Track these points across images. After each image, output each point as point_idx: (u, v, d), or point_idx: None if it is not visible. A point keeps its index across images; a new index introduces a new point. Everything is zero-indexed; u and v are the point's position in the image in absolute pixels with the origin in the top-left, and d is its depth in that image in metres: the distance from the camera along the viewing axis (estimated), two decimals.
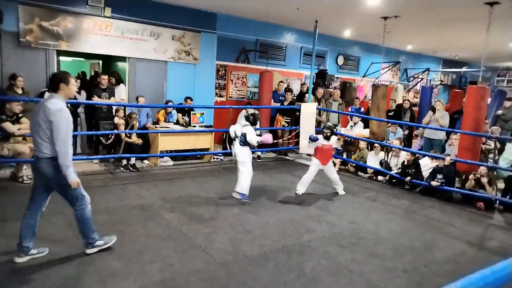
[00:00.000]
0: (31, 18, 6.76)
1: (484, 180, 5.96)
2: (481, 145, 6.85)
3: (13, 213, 4.35)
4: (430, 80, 14.77)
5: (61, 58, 8.83)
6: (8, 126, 5.49)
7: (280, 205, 5.40)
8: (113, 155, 6.84)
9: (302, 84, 10.25)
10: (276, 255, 3.80)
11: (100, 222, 4.33)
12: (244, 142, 5.42)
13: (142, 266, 3.43)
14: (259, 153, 8.60)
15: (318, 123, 8.92)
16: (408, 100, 9.55)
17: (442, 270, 3.77)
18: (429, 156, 6.90)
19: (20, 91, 6.36)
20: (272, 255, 3.79)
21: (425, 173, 6.64)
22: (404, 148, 7.25)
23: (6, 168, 5.98)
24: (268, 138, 5.54)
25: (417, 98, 12.93)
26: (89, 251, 3.57)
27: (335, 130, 6.41)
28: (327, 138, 5.99)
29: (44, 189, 3.44)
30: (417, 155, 7.10)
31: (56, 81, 3.27)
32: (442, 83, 15.35)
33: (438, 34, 9.91)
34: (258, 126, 5.97)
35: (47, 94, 6.55)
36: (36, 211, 3.48)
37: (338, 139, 8.28)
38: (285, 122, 9.19)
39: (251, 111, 5.67)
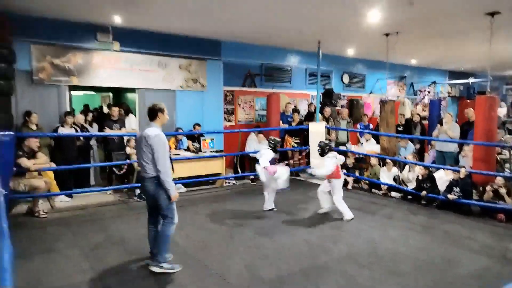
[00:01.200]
0: (43, 56, 7.01)
1: (503, 190, 5.83)
2: (496, 155, 6.74)
3: (30, 248, 4.40)
4: (438, 92, 14.73)
5: (73, 92, 9.07)
6: (24, 161, 5.60)
7: (294, 227, 5.33)
8: (126, 185, 6.89)
9: (310, 104, 10.31)
10: (293, 279, 3.72)
11: (116, 252, 4.34)
12: None
13: None
14: None
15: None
16: (418, 114, 9.51)
17: (468, 286, 3.65)
18: (443, 168, 6.80)
19: (34, 127, 6.52)
20: (289, 279, 3.72)
21: (441, 186, 6.53)
22: (418, 162, 7.17)
23: (22, 204, 6.06)
24: (273, 169, 5.74)
25: (425, 111, 12.85)
26: (155, 269, 3.77)
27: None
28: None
29: (151, 204, 3.89)
30: (431, 168, 7.01)
31: (154, 111, 3.83)
32: (450, 95, 15.29)
33: (441, 47, 9.96)
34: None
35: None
36: (155, 225, 3.93)
37: (348, 156, 8.26)
38: (295, 142, 9.19)
39: (273, 137, 6.17)
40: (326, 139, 8.61)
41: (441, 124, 7.60)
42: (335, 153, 5.80)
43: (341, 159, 5.89)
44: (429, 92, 14.09)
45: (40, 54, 6.99)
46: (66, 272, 3.81)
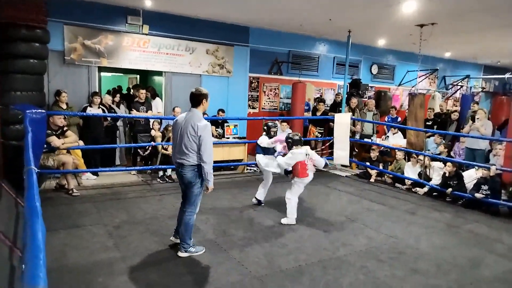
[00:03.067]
0: (75, 37, 7.16)
1: None
2: None
3: (57, 223, 4.57)
4: (471, 87, 14.16)
5: (102, 73, 9.26)
6: (54, 140, 5.78)
7: (314, 218, 5.31)
8: (150, 167, 7.03)
9: (337, 94, 10.14)
10: (311, 270, 3.72)
11: (139, 232, 4.46)
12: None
13: (177, 278, 3.47)
14: None
15: (353, 133, 8.77)
16: (457, 111, 9.17)
17: None
18: (472, 165, 6.58)
19: (64, 106, 6.70)
20: (308, 270, 3.72)
21: (469, 185, 6.32)
22: (446, 158, 6.96)
23: (52, 180, 6.30)
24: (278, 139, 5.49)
25: (456, 106, 12.40)
26: (181, 254, 3.87)
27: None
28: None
29: (184, 190, 3.93)
30: (459, 166, 6.79)
31: (200, 97, 3.76)
32: (484, 90, 14.68)
33: (478, 40, 9.52)
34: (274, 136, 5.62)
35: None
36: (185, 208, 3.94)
37: (373, 149, 8.10)
38: (318, 133, 9.09)
39: (266, 122, 5.87)
40: (351, 131, 8.50)
41: (473, 120, 7.30)
42: (301, 148, 5.01)
43: (298, 156, 4.94)
44: (461, 86, 13.56)
45: (72, 35, 7.15)
46: (90, 249, 3.94)
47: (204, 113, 8.09)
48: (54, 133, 5.87)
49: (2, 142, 5.50)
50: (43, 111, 5.35)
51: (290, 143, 5.05)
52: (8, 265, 3.12)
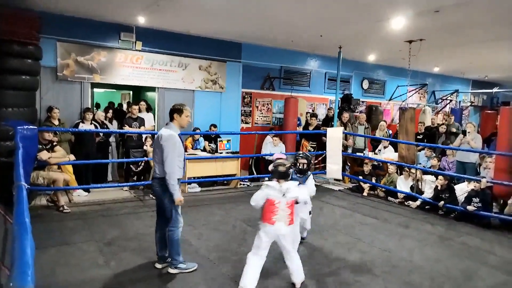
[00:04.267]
0: (68, 54, 7.19)
1: None
2: None
3: (47, 240, 4.49)
4: (460, 101, 14.41)
5: (95, 90, 9.27)
6: (42, 154, 5.73)
7: (307, 233, 5.28)
8: (142, 182, 6.98)
9: (329, 109, 10.24)
10: (305, 285, 3.69)
11: (130, 249, 4.40)
12: None
13: None
14: None
15: (345, 147, 8.84)
16: (444, 124, 9.30)
17: None
18: (463, 178, 6.65)
19: (56, 122, 6.68)
20: (302, 286, 3.68)
21: (461, 198, 6.38)
22: (438, 171, 7.03)
23: (42, 197, 6.21)
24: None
25: (447, 121, 12.57)
26: (171, 270, 3.82)
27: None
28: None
29: (158, 205, 3.89)
30: (450, 179, 6.85)
31: (171, 112, 3.84)
32: (473, 104, 14.93)
33: (466, 55, 9.74)
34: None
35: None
36: (161, 226, 3.89)
37: (366, 163, 8.16)
38: (311, 147, 9.14)
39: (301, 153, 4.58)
40: (343, 145, 8.55)
41: (464, 134, 7.41)
42: (283, 183, 3.50)
43: (269, 192, 3.49)
44: (451, 100, 13.79)
45: (65, 51, 7.17)
46: (81, 266, 3.88)
47: (196, 128, 8.24)
48: (44, 147, 5.83)
49: None
50: (34, 127, 5.33)
51: (271, 174, 3.64)
52: None
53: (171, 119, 3.84)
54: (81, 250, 4.28)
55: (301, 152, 4.61)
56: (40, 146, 5.78)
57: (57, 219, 5.39)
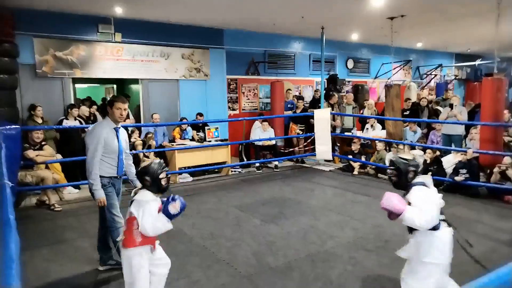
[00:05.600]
0: (46, 50, 7.01)
1: (510, 172, 5.77)
2: (503, 137, 6.67)
3: (40, 239, 4.46)
4: (444, 75, 14.53)
5: (77, 85, 9.10)
6: (29, 153, 5.64)
7: (300, 214, 5.34)
8: None
9: (315, 91, 10.24)
10: (300, 265, 3.75)
11: None
12: None
13: (168, 284, 3.43)
14: (276, 162, 8.59)
15: (333, 128, 8.88)
16: (425, 98, 9.40)
17: (473, 269, 3.63)
18: (450, 150, 6.76)
19: (40, 121, 6.56)
20: (297, 265, 3.74)
21: (448, 170, 6.49)
22: (425, 145, 7.13)
23: (31, 197, 6.14)
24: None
25: (432, 95, 12.71)
26: (100, 267, 3.68)
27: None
28: (165, 189, 2.83)
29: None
30: (438, 152, 6.96)
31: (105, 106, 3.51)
32: (457, 77, 15.10)
33: (447, 30, 9.79)
34: None
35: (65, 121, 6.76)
36: (101, 224, 3.68)
37: (354, 142, 8.23)
38: (299, 130, 9.16)
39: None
40: (331, 126, 8.59)
41: (451, 107, 7.50)
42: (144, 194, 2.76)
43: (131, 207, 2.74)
44: (435, 75, 13.90)
45: (43, 47, 6.99)
46: (75, 263, 3.87)
47: (183, 118, 8.17)
48: (32, 148, 5.74)
49: None
50: (17, 126, 5.22)
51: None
52: None
53: (107, 113, 3.59)
54: (75, 247, 4.26)
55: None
56: (27, 145, 5.69)
57: (49, 218, 5.34)
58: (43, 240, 4.46)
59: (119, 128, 3.60)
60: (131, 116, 7.88)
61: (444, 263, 2.67)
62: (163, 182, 2.75)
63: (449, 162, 6.67)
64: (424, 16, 8.07)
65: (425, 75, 13.87)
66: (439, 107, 9.49)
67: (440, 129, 7.97)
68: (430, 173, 6.46)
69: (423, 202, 2.54)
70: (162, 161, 2.89)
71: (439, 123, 7.87)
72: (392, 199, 2.65)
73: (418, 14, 7.80)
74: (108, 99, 3.63)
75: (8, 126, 4.98)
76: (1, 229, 1.86)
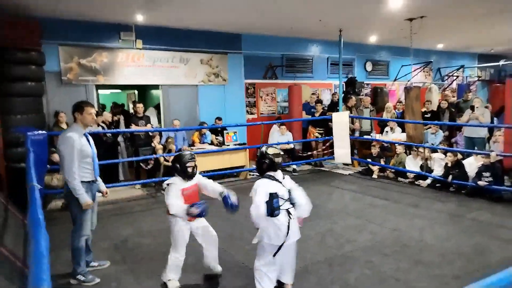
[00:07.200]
0: (70, 57, 7.28)
1: None
2: None
3: (65, 240, 4.62)
4: (467, 77, 14.21)
5: (100, 91, 9.38)
6: (55, 157, 5.86)
7: (318, 217, 5.34)
8: (153, 179, 7.09)
9: (333, 94, 10.21)
10: (317, 268, 3.76)
11: (145, 245, 4.51)
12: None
13: (186, 282, 3.51)
14: (294, 166, 8.60)
15: (352, 131, 8.83)
16: (446, 100, 9.23)
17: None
18: (473, 153, 6.61)
19: (64, 126, 6.78)
20: (314, 268, 3.76)
21: (471, 173, 6.35)
22: (446, 148, 7.00)
23: (57, 200, 6.36)
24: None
25: (454, 97, 12.44)
26: (72, 281, 3.60)
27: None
28: (192, 175, 3.50)
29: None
30: (460, 155, 6.82)
31: (72, 112, 3.56)
32: (480, 79, 14.72)
33: (470, 30, 9.59)
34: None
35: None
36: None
37: (373, 145, 8.15)
38: (318, 133, 9.15)
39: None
40: (350, 129, 8.54)
41: (472, 109, 7.34)
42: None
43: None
44: (457, 76, 13.61)
45: (68, 55, 7.26)
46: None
47: (203, 123, 8.29)
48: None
49: (5, 165, 5.59)
50: (44, 132, 5.44)
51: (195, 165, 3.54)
52: (19, 286, 3.17)
53: (74, 119, 3.56)
54: (98, 248, 4.40)
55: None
56: (53, 149, 5.92)
57: None
58: (68, 241, 4.62)
59: (87, 132, 3.67)
60: (154, 121, 8.06)
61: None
62: (189, 170, 3.41)
63: (471, 164, 6.53)
64: (444, 17, 7.95)
65: (446, 77, 13.59)
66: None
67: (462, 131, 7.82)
68: (451, 176, 6.36)
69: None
70: (193, 153, 3.54)
71: (459, 125, 7.70)
72: None
73: (439, 14, 7.69)
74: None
75: (36, 132, 5.20)
76: (32, 227, 1.98)
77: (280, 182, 3.09)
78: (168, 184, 3.41)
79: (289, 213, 3.04)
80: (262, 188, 2.98)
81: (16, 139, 5.62)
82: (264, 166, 3.13)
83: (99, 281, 3.62)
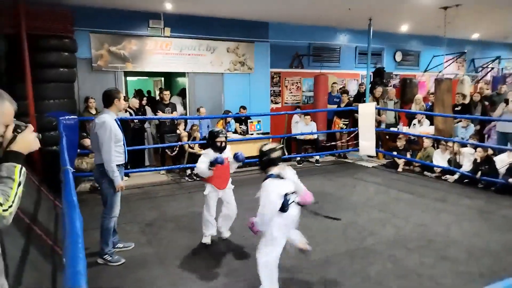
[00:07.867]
0: (101, 44, 7.45)
1: None
2: None
3: (92, 223, 4.80)
4: (502, 68, 13.58)
5: (128, 78, 9.58)
6: (86, 141, 6.07)
7: (341, 209, 5.31)
8: (178, 166, 7.23)
9: (360, 85, 10.01)
10: (339, 260, 3.76)
11: (169, 228, 4.63)
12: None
13: (209, 269, 3.59)
14: (317, 157, 8.54)
15: (378, 123, 8.66)
16: (479, 93, 8.88)
17: None
18: (504, 149, 6.36)
19: (94, 111, 7.00)
20: (335, 260, 3.75)
21: (502, 170, 6.13)
22: (476, 143, 6.76)
23: (86, 182, 6.60)
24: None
25: (488, 89, 11.94)
26: (98, 260, 3.77)
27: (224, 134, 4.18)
28: (221, 148, 4.10)
29: (101, 193, 3.87)
30: (491, 151, 6.58)
31: (111, 98, 3.72)
32: None
33: (506, 18, 9.11)
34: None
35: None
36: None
37: (399, 138, 7.97)
38: (343, 124, 9.03)
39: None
40: (376, 120, 8.38)
41: (507, 103, 7.03)
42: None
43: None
44: (492, 68, 13.02)
45: (98, 42, 7.43)
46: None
47: (227, 111, 8.33)
48: (88, 137, 6.16)
49: (39, 148, 5.82)
50: (75, 117, 5.63)
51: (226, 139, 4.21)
52: (51, 263, 3.34)
53: (110, 104, 3.73)
54: (125, 231, 4.55)
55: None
56: (84, 134, 6.13)
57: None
58: (95, 223, 4.78)
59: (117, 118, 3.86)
60: (179, 109, 8.17)
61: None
62: (218, 144, 4.05)
63: (502, 161, 6.28)
64: (481, 4, 7.58)
65: (480, 68, 13.03)
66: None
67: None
68: (480, 172, 6.15)
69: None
70: (223, 129, 4.32)
71: (492, 120, 7.41)
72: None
73: (475, 2, 7.34)
74: (108, 92, 3.83)
75: (68, 117, 5.39)
76: (67, 209, 2.08)
77: (285, 178, 3.24)
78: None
79: (297, 204, 3.24)
80: (274, 192, 3.13)
81: (49, 123, 5.83)
82: (264, 163, 3.37)
83: (124, 262, 3.77)
